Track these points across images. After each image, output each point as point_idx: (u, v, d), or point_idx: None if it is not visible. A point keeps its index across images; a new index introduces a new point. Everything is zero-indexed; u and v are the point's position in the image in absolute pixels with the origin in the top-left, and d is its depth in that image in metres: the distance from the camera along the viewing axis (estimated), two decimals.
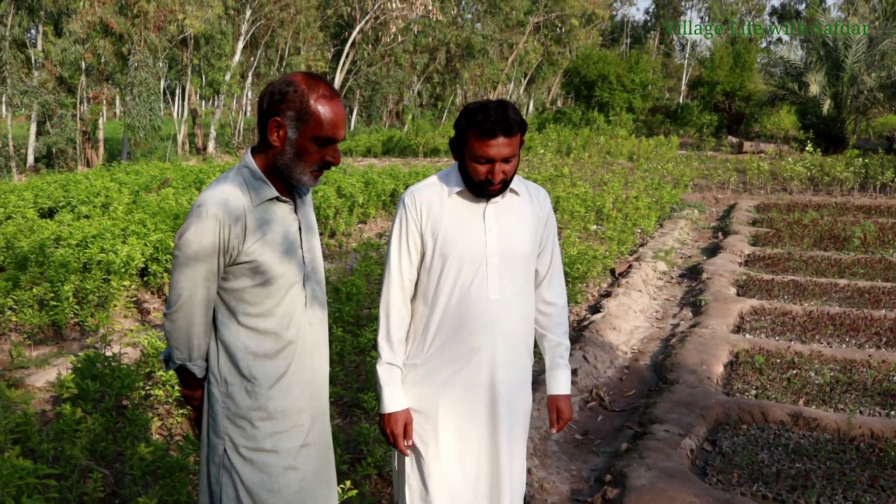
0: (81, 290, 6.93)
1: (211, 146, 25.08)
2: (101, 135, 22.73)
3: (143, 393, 4.91)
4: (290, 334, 2.39)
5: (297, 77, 2.31)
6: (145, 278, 8.01)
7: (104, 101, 22.15)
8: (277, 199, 2.36)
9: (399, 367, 2.72)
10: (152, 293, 8.26)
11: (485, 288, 2.64)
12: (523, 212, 2.74)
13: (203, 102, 28.40)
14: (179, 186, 13.09)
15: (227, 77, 23.90)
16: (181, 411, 4.92)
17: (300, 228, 2.44)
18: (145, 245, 7.96)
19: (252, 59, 27.62)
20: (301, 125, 2.27)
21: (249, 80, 27.76)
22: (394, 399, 2.69)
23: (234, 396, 2.36)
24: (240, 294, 2.33)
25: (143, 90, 19.66)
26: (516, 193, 2.73)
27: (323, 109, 2.28)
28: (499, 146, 2.52)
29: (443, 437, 2.69)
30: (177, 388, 4.84)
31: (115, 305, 7.08)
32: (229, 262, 2.29)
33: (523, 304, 2.75)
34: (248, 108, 30.41)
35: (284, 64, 28.06)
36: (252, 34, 26.15)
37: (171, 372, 4.95)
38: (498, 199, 2.68)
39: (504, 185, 2.62)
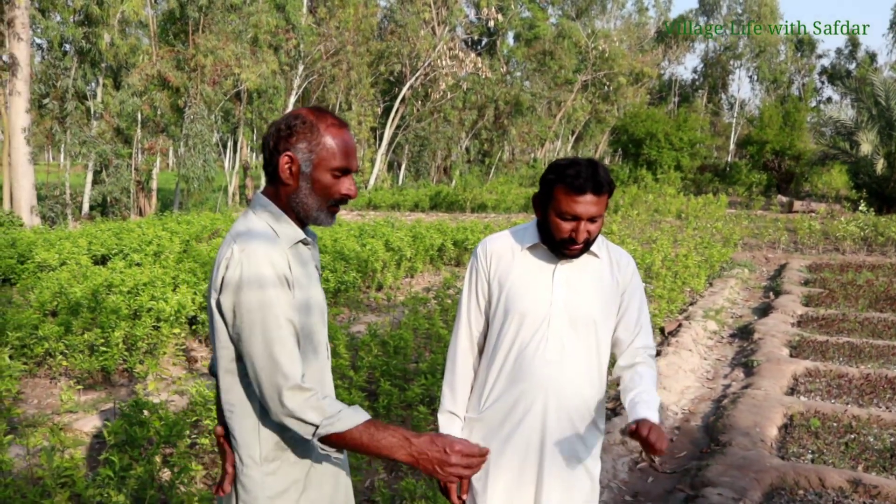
0: (131, 336, 7.01)
1: None
2: (154, 185, 23.23)
3: (188, 441, 4.91)
4: (326, 391, 2.25)
5: (302, 111, 2.20)
6: (194, 327, 8.07)
7: (159, 152, 22.66)
8: (303, 242, 2.22)
9: (459, 418, 2.68)
10: (200, 342, 8.32)
11: (543, 348, 2.56)
12: (599, 275, 2.64)
13: (254, 155, 28.92)
14: None
15: None
16: None
17: (318, 276, 2.31)
18: (195, 294, 8.04)
19: None
20: (314, 157, 2.15)
21: None
22: None
23: (275, 473, 2.16)
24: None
25: (197, 142, 20.06)
26: (595, 255, 2.64)
27: (334, 139, 2.16)
28: (587, 204, 2.46)
29: (491, 498, 2.61)
30: None
31: (164, 353, 7.13)
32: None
33: (589, 370, 2.62)
34: None
35: None
36: (304, 89, 26.67)
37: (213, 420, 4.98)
38: (572, 259, 2.60)
39: (586, 246, 2.55)
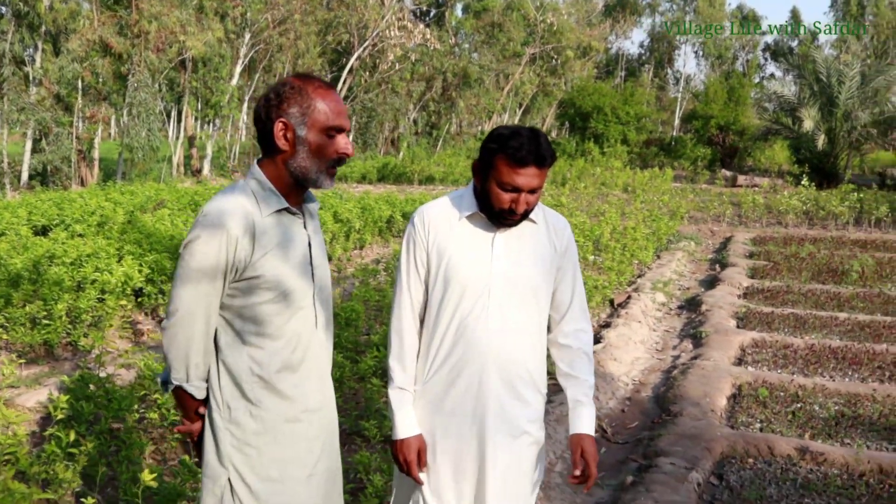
0: (75, 309, 6.82)
1: (206, 168, 24.97)
2: (96, 154, 22.62)
3: (137, 416, 4.80)
4: (298, 356, 2.28)
5: (288, 78, 2.26)
6: (140, 299, 7.89)
7: (101, 121, 22.07)
8: (287, 210, 2.27)
9: (410, 392, 2.62)
10: (146, 314, 8.15)
11: (484, 317, 2.53)
12: (538, 241, 2.63)
13: (199, 125, 28.37)
14: (175, 208, 13.01)
15: (226, 100, 23.88)
16: (176, 435, 4.81)
17: (310, 244, 2.35)
18: (140, 265, 7.86)
19: (250, 82, 27.63)
20: (307, 119, 2.21)
21: (246, 104, 27.75)
22: (407, 424, 2.58)
23: (239, 422, 2.24)
24: (246, 312, 2.22)
25: (142, 111, 19.58)
26: (533, 221, 2.62)
27: (324, 100, 2.22)
28: (529, 176, 2.43)
29: (441, 469, 2.58)
30: (173, 411, 4.72)
31: (110, 326, 6.97)
32: (236, 277, 2.19)
33: (531, 338, 2.62)
34: (244, 132, 30.39)
35: None
36: (251, 58, 26.17)
37: (168, 395, 4.87)
38: (510, 227, 2.58)
39: (524, 216, 2.52)
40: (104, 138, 27.54)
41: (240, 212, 2.18)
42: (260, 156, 2.33)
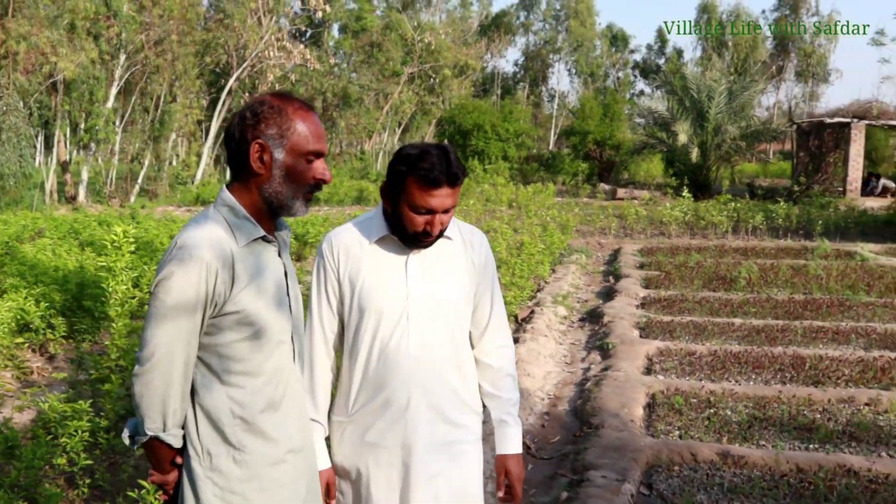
0: None
1: (82, 195, 23.93)
2: None
3: (43, 463, 4.47)
4: (279, 393, 2.14)
5: (266, 97, 2.12)
6: (27, 335, 7.43)
7: None
8: (264, 238, 2.13)
9: (322, 424, 2.52)
10: (34, 351, 7.68)
11: (405, 343, 2.45)
12: (454, 258, 2.56)
13: (73, 150, 27.19)
14: (55, 236, 12.38)
15: (101, 123, 22.95)
16: (88, 482, 4.50)
17: (286, 274, 2.22)
18: (25, 299, 7.41)
19: (126, 106, 26.67)
20: (286, 142, 2.07)
21: (120, 126, 26.77)
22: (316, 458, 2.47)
23: (221, 469, 2.07)
24: (225, 350, 2.06)
25: (12, 135, 18.59)
26: (448, 238, 2.55)
27: (304, 122, 2.10)
28: (442, 197, 2.36)
29: (374, 500, 2.49)
30: (83, 455, 4.42)
31: (6, 366, 6.53)
32: (214, 313, 2.03)
33: (458, 360, 2.56)
34: (120, 157, 29.29)
35: (161, 111, 27.22)
36: (126, 80, 25.29)
37: (74, 440, 4.56)
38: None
39: (439, 236, 2.46)
40: None
41: (216, 243, 2.03)
42: (228, 180, 2.18)
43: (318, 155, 2.12)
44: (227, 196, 2.12)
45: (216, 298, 2.02)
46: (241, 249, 2.07)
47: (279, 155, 2.08)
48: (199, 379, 2.08)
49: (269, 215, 2.15)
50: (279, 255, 2.21)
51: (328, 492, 2.48)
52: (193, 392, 2.09)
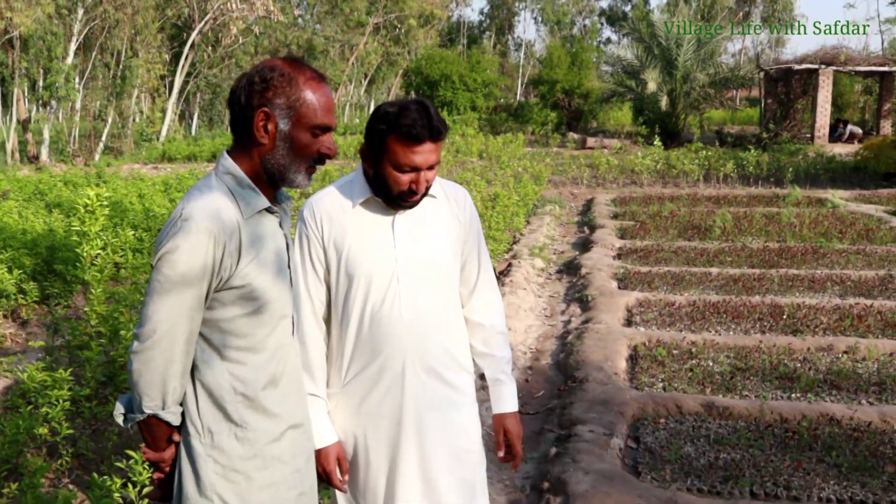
0: None
1: (44, 154, 23.41)
2: None
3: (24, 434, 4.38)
4: (280, 369, 2.08)
5: (277, 62, 2.02)
6: None
7: None
8: (268, 209, 2.05)
9: (323, 398, 2.45)
10: (5, 317, 7.54)
11: (397, 306, 2.39)
12: (440, 217, 2.50)
13: (33, 108, 26.55)
14: (20, 198, 12.11)
15: (61, 80, 22.36)
16: (71, 450, 4.43)
17: (287, 246, 2.14)
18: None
19: (86, 62, 26.00)
20: (293, 113, 1.98)
21: (81, 84, 26.14)
22: (322, 433, 2.41)
23: (223, 447, 2.00)
24: (227, 325, 1.99)
25: None
26: (433, 196, 2.49)
27: (315, 93, 2.00)
28: (426, 153, 2.30)
29: (374, 470, 2.45)
30: (66, 424, 4.34)
31: None
32: (219, 287, 1.95)
33: (449, 320, 2.51)
34: (82, 115, 28.66)
35: (122, 67, 26.57)
36: (86, 35, 24.62)
37: (56, 410, 4.47)
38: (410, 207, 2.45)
39: (424, 194, 2.40)
40: None
41: (223, 214, 1.94)
42: (230, 146, 2.09)
43: (326, 129, 2.03)
44: (230, 163, 2.03)
45: (221, 272, 1.94)
46: (246, 221, 1.99)
47: (284, 126, 1.99)
48: (199, 355, 2.01)
49: (269, 184, 2.07)
50: (280, 225, 2.12)
51: (340, 467, 2.43)
52: (193, 368, 2.01)
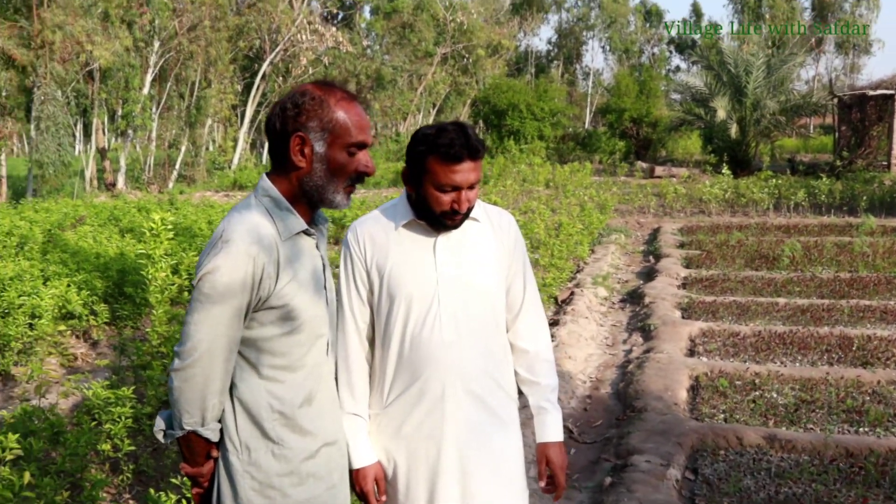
0: (3, 335, 6.43)
1: (121, 182, 24.20)
2: (3, 171, 21.70)
3: (87, 449, 4.50)
4: (315, 387, 2.12)
5: (308, 87, 2.07)
6: (70, 322, 7.51)
7: (6, 137, 21.14)
8: (305, 231, 2.09)
9: (364, 418, 2.45)
10: (77, 338, 7.77)
11: (438, 328, 2.38)
12: (483, 240, 2.50)
13: (111, 137, 27.48)
14: (95, 224, 12.50)
15: (138, 110, 23.13)
16: (131, 467, 4.53)
17: (324, 266, 2.18)
18: (68, 286, 7.49)
19: (162, 92, 26.86)
20: (328, 135, 2.02)
21: (157, 113, 26.99)
22: (361, 453, 2.41)
23: (260, 464, 2.04)
24: (265, 344, 2.03)
25: (50, 124, 18.78)
26: (475, 220, 2.50)
27: (347, 113, 2.04)
28: (465, 171, 2.32)
29: (413, 492, 2.42)
30: (127, 441, 4.45)
31: (49, 353, 6.60)
32: (257, 306, 1.99)
33: (491, 344, 2.49)
34: (157, 143, 29.54)
35: (196, 97, 27.37)
36: (161, 66, 25.46)
37: (118, 426, 4.59)
38: (451, 229, 2.45)
39: (466, 214, 2.41)
40: (8, 155, 26.40)
41: (263, 236, 1.99)
42: (269, 170, 2.14)
43: (362, 146, 2.07)
44: (269, 185, 2.08)
45: (260, 292, 1.98)
46: (284, 243, 2.03)
47: (320, 147, 2.03)
48: (238, 372, 2.05)
49: (308, 206, 2.11)
50: (317, 247, 2.16)
51: (378, 487, 2.43)
52: (232, 386, 2.06)
